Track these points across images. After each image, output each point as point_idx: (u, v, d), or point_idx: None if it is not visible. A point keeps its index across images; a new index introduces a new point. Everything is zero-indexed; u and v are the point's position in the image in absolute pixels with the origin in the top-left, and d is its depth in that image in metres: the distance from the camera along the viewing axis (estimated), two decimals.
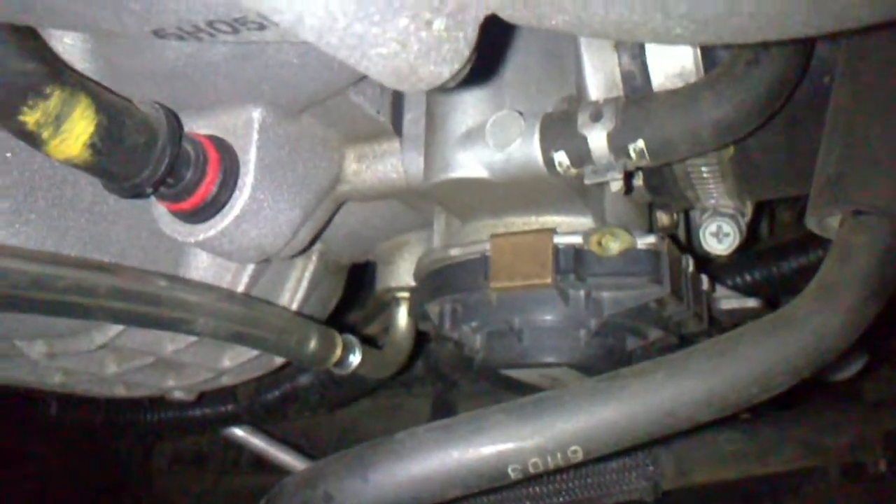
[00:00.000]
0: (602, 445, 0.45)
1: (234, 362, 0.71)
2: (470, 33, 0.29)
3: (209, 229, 0.51)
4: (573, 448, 0.44)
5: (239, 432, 1.23)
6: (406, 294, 0.73)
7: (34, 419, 0.98)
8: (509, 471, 0.41)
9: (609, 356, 0.56)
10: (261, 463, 1.31)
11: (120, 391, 0.75)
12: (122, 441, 1.30)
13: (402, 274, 0.72)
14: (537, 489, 0.68)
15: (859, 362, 0.68)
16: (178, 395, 0.82)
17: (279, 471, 1.24)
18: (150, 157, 0.46)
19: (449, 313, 0.58)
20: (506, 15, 0.30)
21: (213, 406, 1.02)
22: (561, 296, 0.54)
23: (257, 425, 1.21)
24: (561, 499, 0.69)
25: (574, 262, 0.54)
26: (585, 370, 0.57)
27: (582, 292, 0.54)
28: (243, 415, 1.05)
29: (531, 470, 0.41)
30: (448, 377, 1.18)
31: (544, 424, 0.44)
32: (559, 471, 0.47)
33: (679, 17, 0.31)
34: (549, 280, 0.53)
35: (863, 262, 0.39)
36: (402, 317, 0.73)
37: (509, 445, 0.40)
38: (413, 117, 0.57)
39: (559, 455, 0.41)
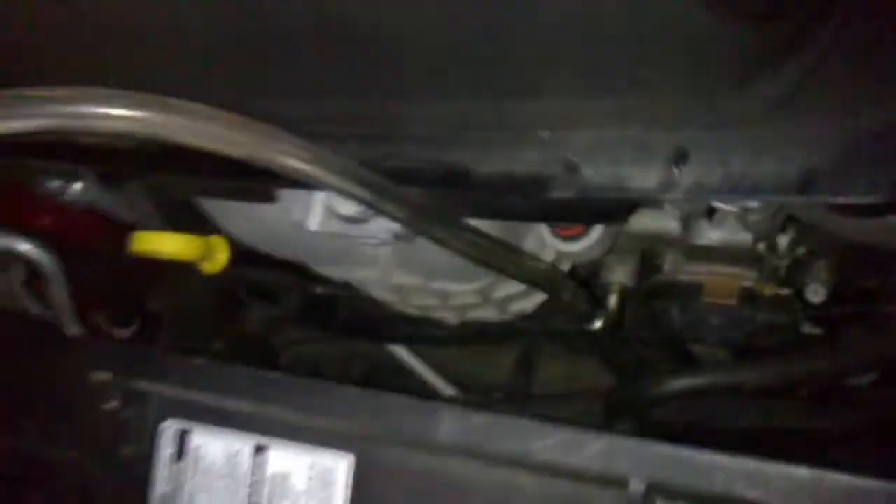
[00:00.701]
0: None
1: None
2: None
3: (577, 246, 1.01)
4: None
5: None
6: (617, 286, 1.23)
7: None
8: None
9: (752, 345, 1.08)
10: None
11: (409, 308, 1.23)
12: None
13: (620, 274, 1.22)
14: None
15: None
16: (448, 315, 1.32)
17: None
18: None
19: (670, 307, 1.10)
20: None
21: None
22: (736, 311, 1.06)
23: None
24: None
25: (747, 295, 1.05)
26: (737, 348, 1.09)
27: (748, 312, 1.06)
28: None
29: None
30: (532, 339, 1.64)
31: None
32: None
33: None
34: (734, 302, 1.05)
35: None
36: (613, 300, 1.24)
37: None
38: None
39: None
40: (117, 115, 0.57)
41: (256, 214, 0.99)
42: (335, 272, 1.15)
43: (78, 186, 1.28)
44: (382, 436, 0.70)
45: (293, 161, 0.63)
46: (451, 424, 0.66)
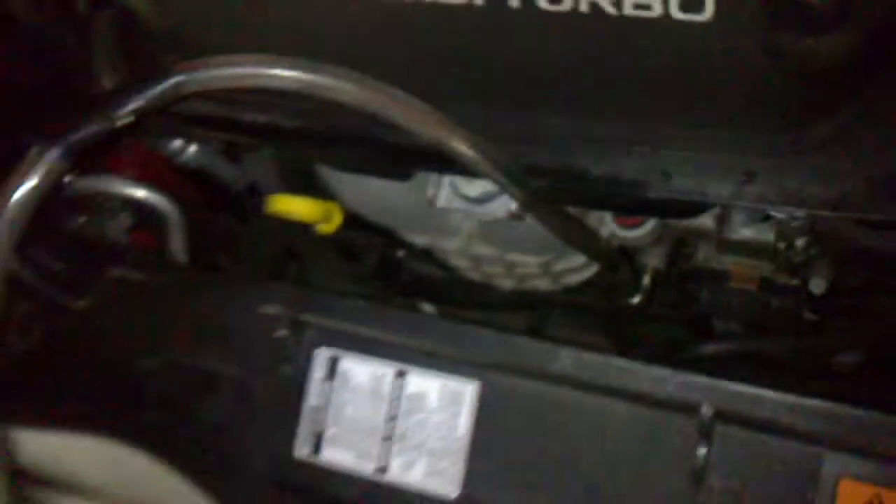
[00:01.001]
0: None
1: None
2: None
3: (633, 233, 1.24)
4: None
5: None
6: (651, 269, 1.46)
7: None
8: None
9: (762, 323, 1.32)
10: None
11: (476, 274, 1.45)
12: None
13: (656, 258, 1.44)
14: None
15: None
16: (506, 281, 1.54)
17: None
18: None
19: (701, 289, 1.33)
20: None
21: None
22: (755, 295, 1.29)
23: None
24: None
25: (768, 285, 1.29)
26: (750, 326, 1.33)
27: (764, 297, 1.30)
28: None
29: None
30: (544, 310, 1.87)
31: None
32: None
33: None
34: (755, 288, 1.29)
35: None
36: (647, 280, 1.47)
37: None
38: None
39: None
40: (335, 86, 0.77)
41: (375, 187, 1.20)
42: (421, 239, 1.36)
43: (193, 149, 1.49)
44: (505, 366, 0.92)
45: (457, 143, 0.84)
46: (564, 360, 0.88)
